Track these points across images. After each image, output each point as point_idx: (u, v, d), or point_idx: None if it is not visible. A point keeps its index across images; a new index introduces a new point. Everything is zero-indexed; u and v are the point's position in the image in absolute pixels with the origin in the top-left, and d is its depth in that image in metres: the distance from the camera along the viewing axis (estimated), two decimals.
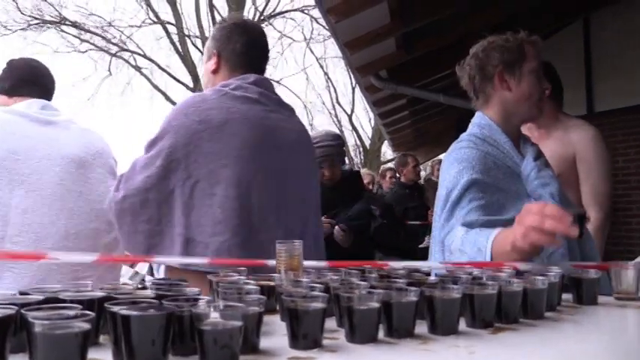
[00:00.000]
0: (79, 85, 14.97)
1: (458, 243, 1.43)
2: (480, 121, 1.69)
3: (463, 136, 1.71)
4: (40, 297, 0.82)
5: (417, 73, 5.71)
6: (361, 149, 18.78)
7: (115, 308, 0.69)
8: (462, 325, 0.96)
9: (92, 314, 0.67)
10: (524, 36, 1.67)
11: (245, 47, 1.61)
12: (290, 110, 1.69)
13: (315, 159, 1.77)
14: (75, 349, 0.64)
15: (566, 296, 1.24)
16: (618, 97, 5.86)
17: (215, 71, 1.64)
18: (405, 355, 0.79)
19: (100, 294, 0.86)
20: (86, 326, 0.65)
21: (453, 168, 1.58)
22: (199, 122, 1.42)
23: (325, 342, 0.84)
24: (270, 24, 15.98)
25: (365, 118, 18.29)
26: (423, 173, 6.87)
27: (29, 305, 0.74)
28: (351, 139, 19.22)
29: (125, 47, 15.10)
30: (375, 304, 0.85)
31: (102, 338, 0.84)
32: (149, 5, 15.16)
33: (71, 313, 0.69)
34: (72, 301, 0.78)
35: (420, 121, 7.45)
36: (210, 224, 1.39)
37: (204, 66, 1.70)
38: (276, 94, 1.64)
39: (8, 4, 13.85)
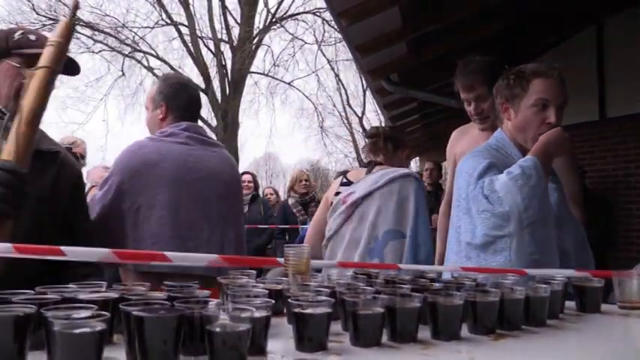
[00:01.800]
0: (92, 85, 15.04)
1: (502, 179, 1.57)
2: (497, 135, 1.85)
3: (482, 145, 1.86)
4: (58, 297, 0.85)
5: (428, 77, 5.72)
6: None
7: (130, 309, 0.73)
8: (465, 331, 0.98)
9: (108, 315, 0.70)
10: (542, 68, 1.73)
11: (187, 102, 2.06)
12: (217, 146, 2.08)
13: (239, 184, 2.19)
14: (92, 348, 0.67)
15: (570, 304, 1.26)
16: (630, 104, 5.83)
17: (163, 119, 2.05)
18: (406, 359, 0.82)
19: (114, 295, 0.90)
20: (102, 326, 0.68)
21: (468, 163, 1.72)
22: (140, 163, 1.85)
23: (330, 345, 0.87)
24: (282, 26, 16.05)
25: (375, 121, 18.28)
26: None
27: (47, 305, 0.78)
28: (361, 142, 19.23)
29: (138, 48, 15.22)
30: (379, 309, 0.88)
31: (116, 338, 0.88)
32: (162, 7, 15.27)
33: (88, 313, 0.72)
34: (88, 302, 0.82)
35: (431, 125, 7.45)
36: (150, 237, 1.81)
37: (151, 113, 2.09)
38: (203, 136, 2.05)
39: (23, 5, 14.05)
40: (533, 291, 1.07)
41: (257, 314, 0.80)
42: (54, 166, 1.54)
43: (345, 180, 2.49)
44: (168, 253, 1.35)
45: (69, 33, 1.43)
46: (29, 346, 0.74)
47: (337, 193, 2.43)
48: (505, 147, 1.77)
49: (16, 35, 1.54)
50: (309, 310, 0.85)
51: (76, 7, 1.45)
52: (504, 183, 1.54)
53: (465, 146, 2.31)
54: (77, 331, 0.67)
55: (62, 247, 1.22)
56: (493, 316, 0.99)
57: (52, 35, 1.42)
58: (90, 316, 0.71)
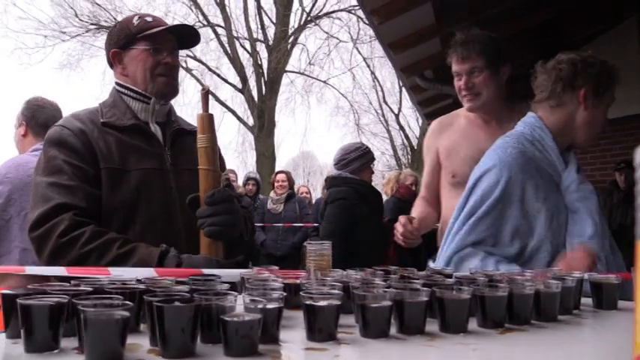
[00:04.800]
0: None
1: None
2: (533, 122, 1.74)
3: (512, 133, 1.78)
4: (90, 288, 0.93)
5: None
6: (409, 149, 18.67)
7: (151, 299, 0.80)
8: (475, 325, 1.02)
9: (131, 304, 0.77)
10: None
11: (44, 121, 2.36)
12: None
13: None
14: (116, 334, 0.74)
15: (587, 301, 1.27)
16: None
17: (24, 135, 2.43)
18: (409, 350, 0.86)
19: (141, 287, 0.97)
20: (126, 314, 0.75)
21: (492, 173, 1.68)
22: (27, 176, 2.14)
23: (341, 335, 0.92)
24: (317, 24, 16.12)
25: (412, 118, 18.16)
26: None
27: (79, 296, 0.86)
28: (398, 139, 19.12)
29: None
30: (387, 302, 0.92)
31: (142, 327, 0.95)
32: (199, 9, 15.58)
33: (114, 302, 0.80)
34: (116, 293, 0.89)
35: None
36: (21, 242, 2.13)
37: (16, 130, 2.47)
38: None
39: (67, 12, 14.59)
40: (544, 286, 1.09)
41: (269, 305, 0.86)
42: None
43: None
44: (109, 269, 1.37)
45: (211, 127, 1.55)
46: (62, 333, 0.82)
47: None
48: (543, 139, 1.70)
49: (135, 22, 1.66)
50: (319, 303, 0.90)
51: (207, 94, 1.59)
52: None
53: (453, 139, 2.20)
54: (104, 318, 0.74)
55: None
56: (501, 310, 1.02)
57: (198, 134, 1.54)
58: (115, 305, 0.78)
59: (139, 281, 1.07)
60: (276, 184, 6.33)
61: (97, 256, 1.41)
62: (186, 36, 1.70)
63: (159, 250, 1.44)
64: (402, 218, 2.07)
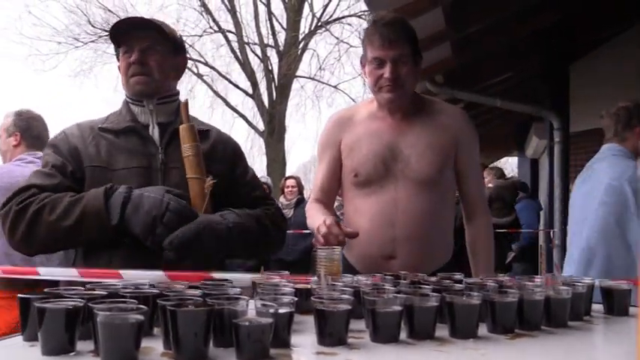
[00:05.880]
0: None
1: None
2: (616, 151, 2.41)
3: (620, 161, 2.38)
4: (104, 292, 0.95)
5: (473, 78, 5.67)
6: None
7: (165, 303, 0.81)
8: (485, 330, 1.02)
9: (146, 308, 0.79)
10: None
11: (38, 132, 2.53)
12: None
13: None
14: (131, 337, 0.76)
15: (599, 307, 1.27)
16: None
17: (16, 146, 2.51)
18: (419, 355, 0.87)
19: (154, 291, 0.99)
20: (140, 317, 0.77)
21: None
22: (10, 183, 2.10)
23: (351, 340, 0.93)
24: (328, 30, 16.15)
25: None
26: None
27: (94, 300, 0.87)
28: None
29: (188, 56, 15.68)
30: (397, 308, 0.93)
31: (155, 330, 0.96)
32: (210, 15, 15.68)
33: (129, 306, 0.81)
34: (130, 297, 0.91)
35: (477, 127, 7.37)
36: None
37: (5, 140, 2.54)
38: None
39: (81, 19, 14.75)
40: (554, 292, 1.10)
41: (281, 310, 0.87)
42: (206, 143, 1.68)
43: None
44: (121, 271, 1.45)
45: (194, 135, 1.61)
46: (78, 336, 0.84)
47: None
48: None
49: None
50: (329, 308, 0.91)
51: (186, 106, 1.65)
52: None
53: (356, 133, 1.90)
54: (118, 321, 0.76)
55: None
56: (511, 316, 1.02)
57: (182, 144, 1.60)
58: (130, 309, 0.80)
59: (152, 286, 1.09)
60: (285, 190, 6.35)
61: (51, 208, 1.46)
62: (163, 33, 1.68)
63: (104, 187, 1.47)
64: (328, 219, 1.65)
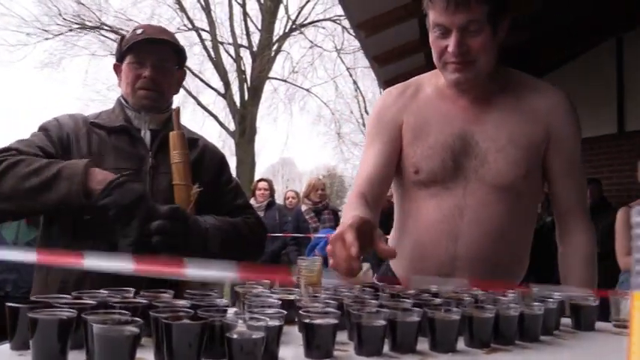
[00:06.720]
0: (114, 88, 15.36)
1: None
2: None
3: None
4: (94, 302, 0.96)
5: None
6: None
7: (159, 316, 0.83)
8: (462, 344, 1.06)
9: (141, 321, 0.80)
10: None
11: None
12: None
13: None
14: (127, 350, 0.77)
15: (566, 321, 1.33)
16: None
17: None
18: None
19: (143, 301, 1.00)
20: (136, 330, 0.78)
21: None
22: None
23: (336, 353, 0.96)
24: (302, 33, 16.21)
25: None
26: None
27: (84, 310, 0.88)
28: None
29: None
30: (382, 322, 0.97)
31: (143, 340, 0.97)
32: (185, 12, 15.55)
33: (123, 318, 0.82)
34: (121, 308, 0.92)
35: None
36: None
37: None
38: None
39: (51, 10, 14.43)
40: (527, 308, 1.15)
41: (271, 323, 0.90)
42: (195, 151, 1.69)
43: None
44: (188, 266, 1.41)
45: (184, 143, 1.61)
46: (69, 346, 0.85)
47: None
48: None
49: (129, 35, 1.70)
50: (317, 321, 0.94)
51: (178, 113, 1.65)
52: None
53: (422, 116, 1.51)
54: (115, 334, 0.77)
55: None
56: (488, 331, 1.07)
57: (171, 151, 1.60)
58: (126, 322, 0.81)
59: (137, 294, 1.10)
60: (257, 192, 6.35)
61: (27, 164, 1.41)
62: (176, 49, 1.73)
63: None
64: (348, 233, 1.13)
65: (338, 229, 1.18)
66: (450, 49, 1.37)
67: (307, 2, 15.93)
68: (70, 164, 1.44)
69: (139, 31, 1.67)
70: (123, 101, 1.71)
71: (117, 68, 1.73)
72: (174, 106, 1.74)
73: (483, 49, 1.39)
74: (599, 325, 1.33)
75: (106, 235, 1.43)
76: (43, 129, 1.60)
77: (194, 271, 1.40)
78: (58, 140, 1.57)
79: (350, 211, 1.38)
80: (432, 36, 1.42)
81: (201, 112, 15.68)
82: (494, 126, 1.46)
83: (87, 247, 1.39)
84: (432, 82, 1.55)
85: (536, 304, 1.17)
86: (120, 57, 1.70)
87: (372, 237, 1.16)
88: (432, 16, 1.40)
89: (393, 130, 1.53)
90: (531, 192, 1.50)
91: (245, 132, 14.91)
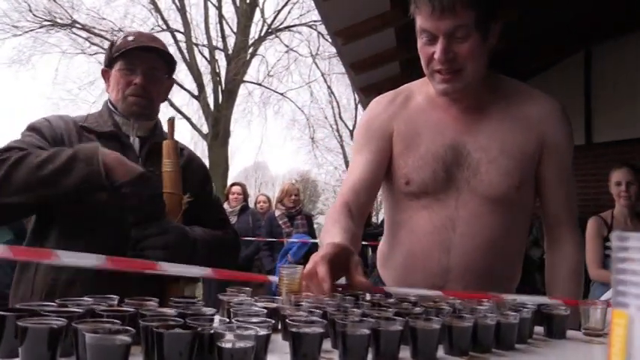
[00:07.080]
0: (85, 88, 15.12)
1: None
2: None
3: None
4: (81, 310, 0.96)
5: None
6: None
7: (150, 324, 0.84)
8: (442, 352, 1.10)
9: (133, 330, 0.81)
10: None
11: None
12: None
13: None
14: (118, 359, 0.78)
15: (538, 329, 1.38)
16: (616, 130, 6.02)
17: None
18: None
19: (131, 309, 1.00)
20: (128, 339, 0.79)
21: None
22: None
23: None
24: (278, 37, 16.23)
25: None
26: None
27: (72, 318, 0.88)
28: (351, 154, 19.37)
29: None
30: (366, 331, 0.99)
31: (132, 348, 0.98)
32: (159, 13, 15.41)
33: (115, 327, 0.83)
34: (108, 316, 0.92)
35: None
36: None
37: None
38: None
39: (21, 5, 14.13)
40: (503, 317, 1.19)
41: (260, 332, 0.91)
42: (180, 161, 1.68)
43: None
44: (160, 263, 1.43)
45: (177, 152, 1.63)
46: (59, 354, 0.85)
47: None
48: None
49: (120, 41, 1.69)
50: (304, 330, 0.96)
51: (173, 123, 1.67)
52: None
53: (413, 125, 1.48)
54: (108, 343, 0.78)
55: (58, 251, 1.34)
56: (467, 339, 1.11)
57: (164, 159, 1.61)
58: (118, 331, 0.82)
59: (121, 301, 1.10)
60: (230, 197, 6.34)
61: (37, 155, 1.40)
62: (167, 57, 1.74)
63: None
64: (320, 267, 1.19)
65: (312, 260, 1.20)
66: (437, 55, 1.34)
67: (283, 7, 16.00)
68: (82, 147, 1.44)
69: (130, 38, 1.68)
70: (111, 107, 1.71)
71: (105, 74, 1.73)
72: (170, 117, 1.75)
73: (471, 56, 1.35)
74: (570, 333, 1.39)
75: (100, 239, 1.44)
76: (35, 129, 1.59)
77: (167, 266, 1.41)
78: (52, 140, 1.57)
79: (330, 229, 1.37)
80: (419, 42, 1.40)
81: (173, 113, 15.56)
82: (487, 136, 1.44)
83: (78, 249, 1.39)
84: (423, 91, 1.52)
85: (512, 313, 1.22)
86: (109, 62, 1.70)
87: (349, 267, 1.18)
88: (419, 22, 1.37)
89: (382, 138, 1.50)
90: (524, 202, 1.49)
91: (218, 135, 14.84)
